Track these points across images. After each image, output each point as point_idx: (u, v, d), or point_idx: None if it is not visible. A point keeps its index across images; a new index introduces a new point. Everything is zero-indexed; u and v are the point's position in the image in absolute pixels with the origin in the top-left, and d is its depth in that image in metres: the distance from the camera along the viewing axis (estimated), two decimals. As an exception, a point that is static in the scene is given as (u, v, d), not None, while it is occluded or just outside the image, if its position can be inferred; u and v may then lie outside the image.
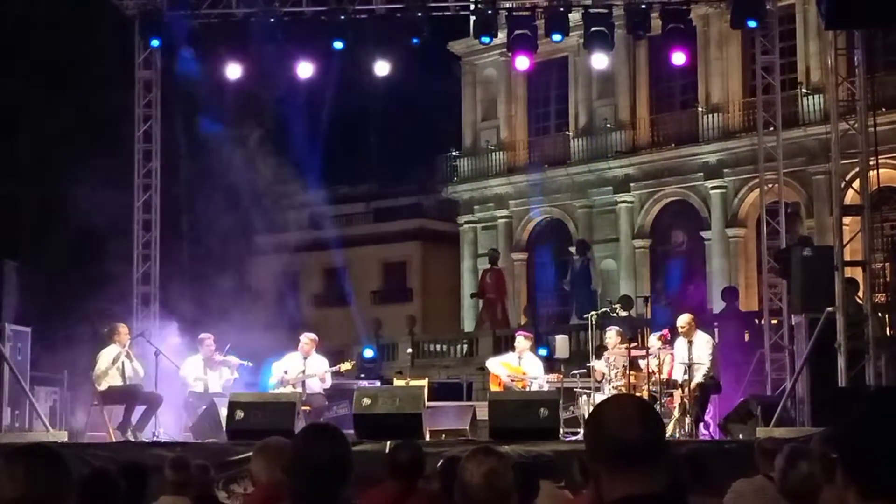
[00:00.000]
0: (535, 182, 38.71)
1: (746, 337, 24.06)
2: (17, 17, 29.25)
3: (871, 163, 14.68)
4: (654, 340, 16.08)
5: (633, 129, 37.46)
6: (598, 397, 15.92)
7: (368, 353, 26.63)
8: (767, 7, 18.86)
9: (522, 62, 19.24)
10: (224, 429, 14.58)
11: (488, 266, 33.45)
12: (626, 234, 37.43)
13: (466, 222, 41.41)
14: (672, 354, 15.94)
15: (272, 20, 18.46)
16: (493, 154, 40.34)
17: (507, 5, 20.44)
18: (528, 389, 16.43)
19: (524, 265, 40.18)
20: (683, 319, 16.04)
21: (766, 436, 11.61)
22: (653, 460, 3.01)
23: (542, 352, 19.33)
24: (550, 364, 18.25)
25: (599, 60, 19.43)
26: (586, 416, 16.02)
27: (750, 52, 28.43)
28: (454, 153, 41.60)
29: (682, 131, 36.37)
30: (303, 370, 16.79)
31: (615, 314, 20.91)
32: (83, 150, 30.29)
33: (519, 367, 16.87)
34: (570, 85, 38.88)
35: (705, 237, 35.90)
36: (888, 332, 18.90)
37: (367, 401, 14.57)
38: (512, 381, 16.70)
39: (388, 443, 11.03)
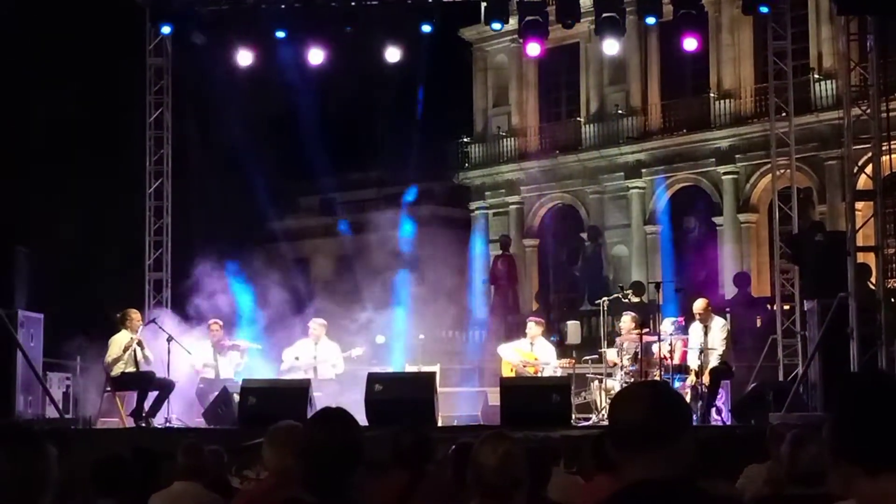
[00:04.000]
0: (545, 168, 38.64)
1: (758, 322, 24.05)
2: (27, 5, 29.25)
3: (884, 148, 14.64)
4: (667, 325, 16.03)
5: (645, 114, 37.34)
6: (610, 383, 15.94)
7: (380, 338, 26.60)
8: (779, -8, 18.78)
9: (534, 48, 19.18)
10: (236, 414, 14.62)
11: (499, 252, 33.43)
12: (637, 219, 37.37)
13: (477, 208, 41.37)
14: (683, 340, 15.90)
15: (283, 6, 18.44)
16: (505, 140, 40.27)
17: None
18: (539, 375, 16.43)
19: (535, 251, 40.15)
20: (699, 304, 15.98)
21: (779, 421, 11.60)
22: (661, 445, 2.94)
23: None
24: (562, 350, 18.23)
25: (611, 46, 19.35)
26: (598, 401, 16.08)
27: (762, 37, 28.29)
28: (465, 139, 41.53)
29: (694, 117, 36.25)
30: (314, 356, 16.83)
31: (627, 300, 20.89)
32: (95, 136, 30.38)
33: (531, 353, 16.85)
34: (581, 71, 38.77)
35: (717, 223, 35.83)
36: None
37: (378, 386, 14.58)
38: (524, 366, 16.69)
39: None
